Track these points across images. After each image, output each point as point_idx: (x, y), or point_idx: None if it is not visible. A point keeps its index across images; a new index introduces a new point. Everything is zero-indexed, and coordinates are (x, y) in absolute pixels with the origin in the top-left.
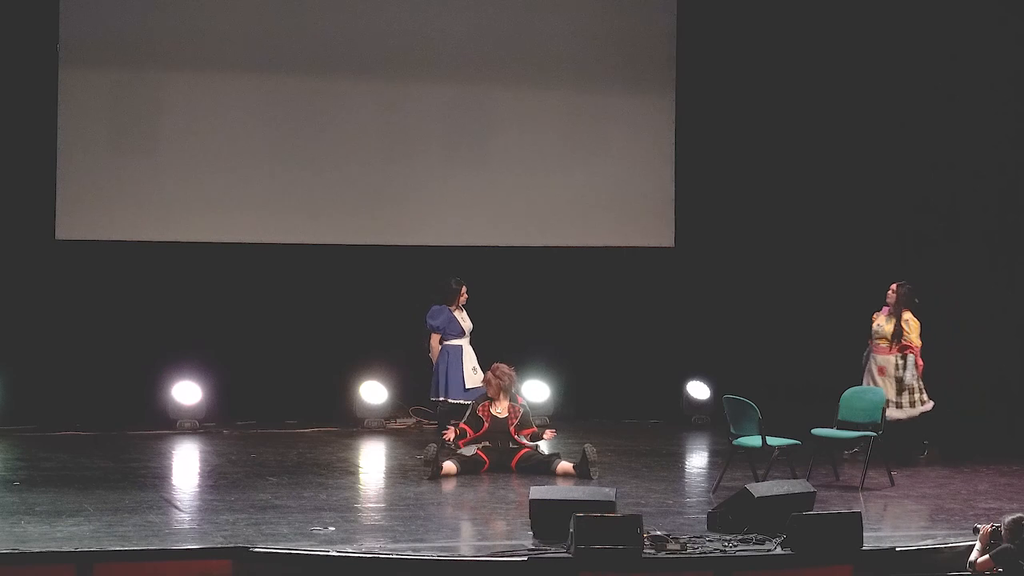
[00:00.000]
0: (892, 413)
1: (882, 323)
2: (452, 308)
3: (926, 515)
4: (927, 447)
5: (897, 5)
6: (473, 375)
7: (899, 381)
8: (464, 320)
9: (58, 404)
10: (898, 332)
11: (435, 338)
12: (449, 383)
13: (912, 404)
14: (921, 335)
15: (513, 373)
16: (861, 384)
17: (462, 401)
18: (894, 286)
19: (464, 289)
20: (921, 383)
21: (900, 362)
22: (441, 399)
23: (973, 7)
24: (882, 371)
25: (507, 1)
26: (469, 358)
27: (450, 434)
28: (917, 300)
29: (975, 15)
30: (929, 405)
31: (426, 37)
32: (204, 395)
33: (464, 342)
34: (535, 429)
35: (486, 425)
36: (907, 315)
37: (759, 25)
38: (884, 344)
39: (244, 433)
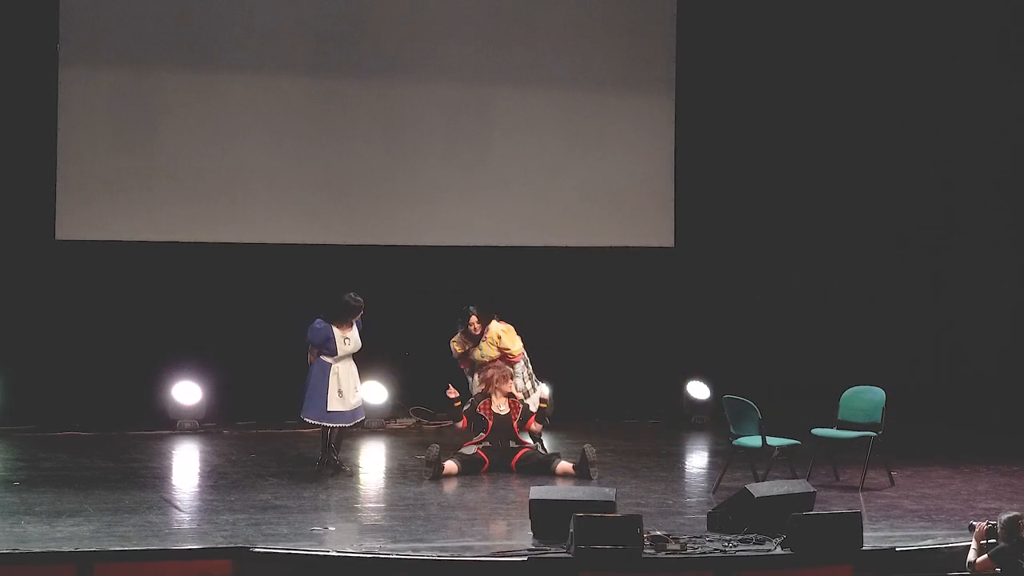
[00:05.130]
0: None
1: (481, 349)
2: (340, 326)
3: (926, 515)
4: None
5: (897, 4)
6: (339, 398)
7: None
8: (347, 341)
9: (58, 404)
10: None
11: (313, 352)
12: (308, 402)
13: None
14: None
15: (509, 369)
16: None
17: (319, 423)
18: (473, 318)
19: (362, 306)
20: (530, 375)
21: (509, 369)
22: (301, 417)
23: (973, 7)
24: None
25: (507, 2)
26: (342, 378)
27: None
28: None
29: (975, 15)
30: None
31: (426, 37)
32: (204, 395)
33: (339, 362)
34: (533, 424)
35: (490, 424)
36: (493, 328)
37: (759, 25)
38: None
39: (244, 433)
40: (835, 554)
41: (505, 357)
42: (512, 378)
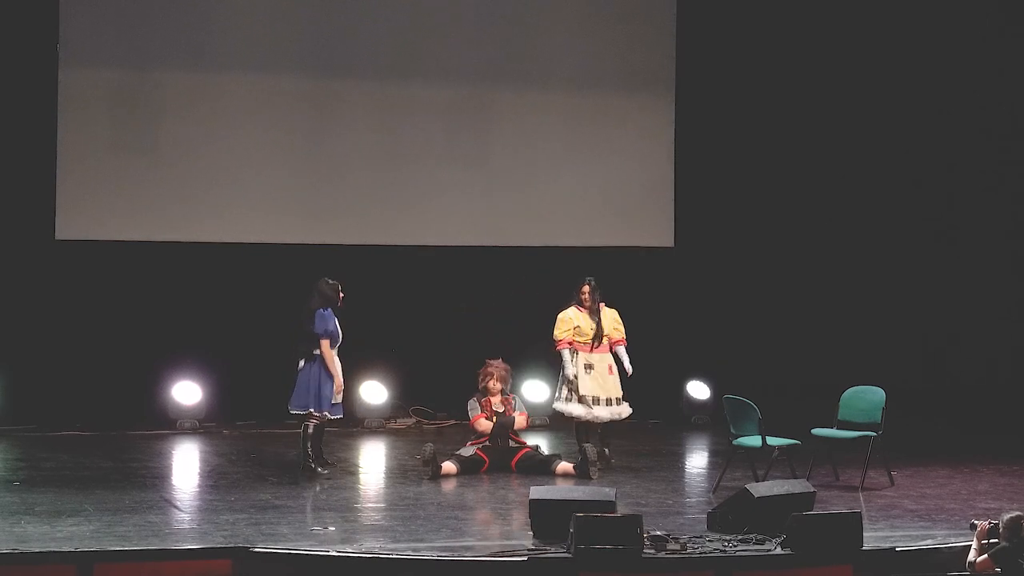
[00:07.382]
0: (624, 411)
1: (588, 321)
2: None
3: (926, 515)
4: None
5: (898, 4)
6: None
7: (621, 377)
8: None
9: (58, 404)
10: (600, 330)
11: (326, 344)
12: (322, 398)
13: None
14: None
15: (505, 367)
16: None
17: (334, 416)
18: (586, 287)
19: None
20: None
21: (616, 358)
22: (316, 412)
23: (974, 7)
24: (611, 369)
25: (507, 2)
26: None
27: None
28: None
29: (976, 15)
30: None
31: (426, 37)
32: (204, 395)
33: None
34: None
35: (493, 419)
36: (607, 310)
37: (759, 25)
38: (586, 343)
39: (244, 433)
40: (835, 554)
41: (612, 336)
42: (508, 379)
